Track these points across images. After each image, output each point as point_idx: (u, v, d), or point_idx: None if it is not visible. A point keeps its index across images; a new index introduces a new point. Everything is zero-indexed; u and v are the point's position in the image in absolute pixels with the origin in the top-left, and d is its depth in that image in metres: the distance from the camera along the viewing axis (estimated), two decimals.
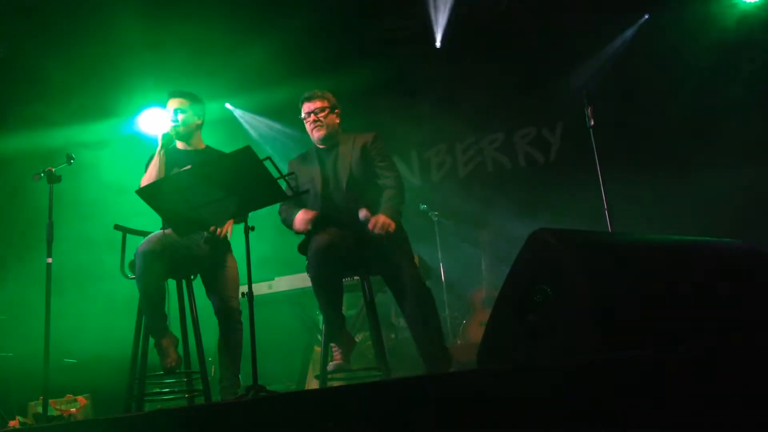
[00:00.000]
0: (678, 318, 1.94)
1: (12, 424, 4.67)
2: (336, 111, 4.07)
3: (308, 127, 4.05)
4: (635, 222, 5.31)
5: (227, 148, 3.92)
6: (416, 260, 4.09)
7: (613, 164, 5.04)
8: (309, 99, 4.04)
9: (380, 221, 3.71)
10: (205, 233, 3.87)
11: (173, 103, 4.12)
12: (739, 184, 5.44)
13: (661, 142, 6.09)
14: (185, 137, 4.10)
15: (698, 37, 6.08)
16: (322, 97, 4.04)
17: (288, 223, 3.96)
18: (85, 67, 6.70)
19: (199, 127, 4.16)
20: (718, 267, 2.14)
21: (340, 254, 3.70)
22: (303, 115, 4.05)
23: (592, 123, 4.30)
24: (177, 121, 4.05)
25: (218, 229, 3.82)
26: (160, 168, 3.89)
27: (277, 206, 3.88)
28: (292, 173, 3.21)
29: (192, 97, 4.15)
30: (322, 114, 3.99)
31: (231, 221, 3.92)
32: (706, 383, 1.52)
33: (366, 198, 3.92)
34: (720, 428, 1.46)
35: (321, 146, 4.07)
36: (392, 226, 3.72)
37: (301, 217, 3.83)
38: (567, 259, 1.96)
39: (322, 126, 3.99)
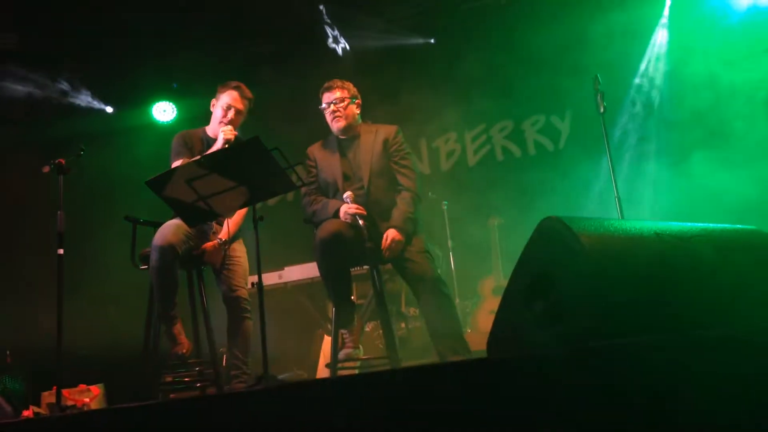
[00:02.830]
0: (689, 305, 1.93)
1: (26, 414, 4.71)
2: (356, 102, 4.08)
3: (328, 117, 4.06)
4: (646, 209, 5.28)
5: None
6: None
7: (623, 150, 5.03)
8: (328, 89, 4.05)
9: (389, 243, 3.73)
10: (214, 224, 3.89)
11: (237, 101, 4.05)
12: (752, 170, 5.40)
13: (672, 128, 6.04)
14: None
15: (711, 25, 6.03)
16: (342, 87, 4.05)
17: (320, 215, 3.92)
18: (97, 57, 6.71)
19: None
20: (731, 253, 2.13)
21: (346, 243, 3.70)
22: (323, 105, 4.06)
23: (603, 109, 4.27)
24: (230, 120, 4.01)
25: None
26: None
27: (287, 196, 3.86)
28: (299, 163, 3.20)
29: (252, 101, 4.14)
30: (342, 105, 4.00)
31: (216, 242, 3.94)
32: (717, 369, 1.51)
33: (387, 195, 3.92)
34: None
35: (342, 136, 4.07)
36: (400, 242, 3.74)
37: (345, 210, 3.79)
38: (577, 246, 1.95)
39: (341, 117, 4.00)
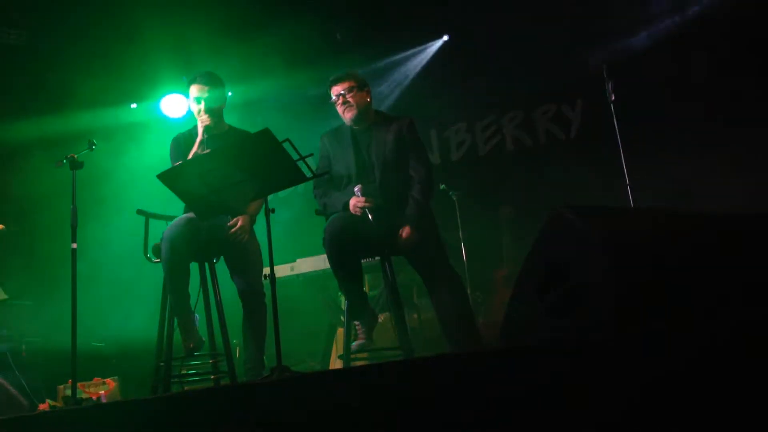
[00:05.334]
0: (705, 295, 1.92)
1: (42, 407, 4.75)
2: (366, 89, 4.03)
3: (339, 110, 4.01)
4: (658, 198, 5.25)
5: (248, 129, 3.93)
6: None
7: (634, 139, 4.99)
8: (336, 82, 4.00)
9: (405, 240, 3.72)
10: (229, 217, 3.90)
11: (203, 91, 4.08)
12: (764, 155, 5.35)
13: (684, 115, 5.99)
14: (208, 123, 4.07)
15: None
16: (348, 78, 3.99)
17: (331, 208, 3.92)
18: (106, 52, 6.73)
19: (221, 109, 4.16)
20: (750, 240, 2.11)
21: (355, 236, 3.69)
22: (332, 98, 4.01)
23: (613, 98, 4.25)
24: (209, 108, 4.04)
25: (236, 226, 3.87)
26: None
27: (298, 188, 3.84)
28: (310, 155, 3.20)
29: (212, 81, 4.12)
30: (351, 95, 3.94)
31: (246, 217, 3.94)
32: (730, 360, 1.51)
33: (399, 188, 3.88)
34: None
35: (355, 126, 4.01)
36: (415, 236, 3.72)
37: (354, 203, 3.78)
38: (588, 235, 1.95)
39: (352, 107, 3.94)
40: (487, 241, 6.26)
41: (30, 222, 6.68)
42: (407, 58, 7.26)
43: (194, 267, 3.99)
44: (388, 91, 7.21)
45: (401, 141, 3.93)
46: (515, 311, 2.29)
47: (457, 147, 7.23)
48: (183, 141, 4.13)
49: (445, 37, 7.17)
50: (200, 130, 4.01)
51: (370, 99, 4.06)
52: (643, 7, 6.21)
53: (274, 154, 3.13)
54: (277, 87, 7.12)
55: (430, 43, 7.19)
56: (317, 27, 6.72)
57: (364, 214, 3.71)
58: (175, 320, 3.83)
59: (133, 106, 7.33)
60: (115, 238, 6.17)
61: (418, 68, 7.19)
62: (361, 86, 4.00)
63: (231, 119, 4.33)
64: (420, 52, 7.22)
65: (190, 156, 3.95)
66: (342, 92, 3.96)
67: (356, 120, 3.98)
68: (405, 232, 3.73)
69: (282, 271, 5.45)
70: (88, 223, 4.64)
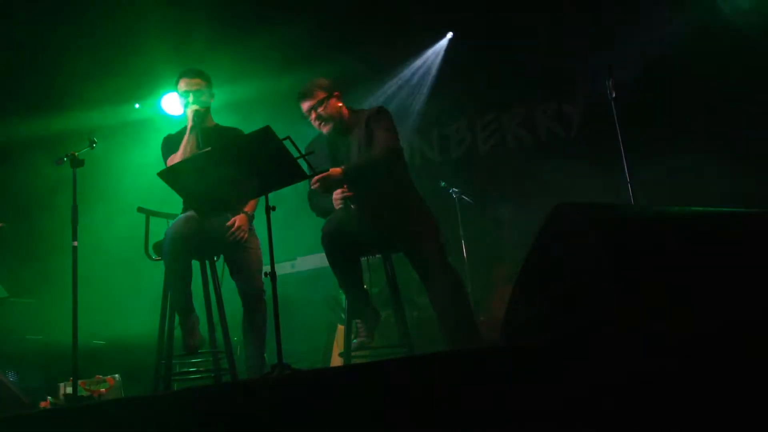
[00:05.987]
0: (705, 295, 1.92)
1: (43, 404, 4.76)
2: (335, 94, 3.86)
3: (314, 124, 3.88)
4: (659, 196, 5.25)
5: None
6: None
7: (635, 137, 5.00)
8: (302, 97, 3.85)
9: (329, 176, 3.55)
10: (229, 216, 3.90)
11: (191, 84, 4.07)
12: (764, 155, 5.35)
13: (685, 112, 5.99)
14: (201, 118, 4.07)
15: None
16: (314, 91, 3.82)
17: (324, 209, 3.87)
18: (106, 51, 6.74)
19: (210, 104, 4.15)
20: (750, 240, 2.11)
21: (351, 235, 3.65)
22: (304, 113, 3.88)
23: (614, 95, 4.25)
24: (197, 102, 4.02)
25: (234, 227, 3.86)
26: (192, 148, 3.90)
27: (299, 185, 3.80)
28: (312, 152, 3.19)
29: (206, 77, 4.13)
30: (321, 108, 3.80)
31: (243, 216, 3.93)
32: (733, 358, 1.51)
33: (378, 185, 3.78)
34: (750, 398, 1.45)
35: (333, 136, 3.92)
36: (333, 179, 3.56)
37: (334, 197, 3.71)
38: (589, 234, 1.94)
39: (326, 120, 3.82)
40: (487, 237, 6.27)
41: (30, 220, 6.69)
42: (413, 62, 7.25)
43: (195, 265, 4.00)
44: (404, 97, 7.19)
45: (370, 135, 3.80)
46: (515, 310, 2.29)
47: (457, 145, 7.23)
48: (174, 140, 4.11)
49: (450, 35, 7.16)
50: (190, 116, 3.97)
51: (342, 103, 3.90)
52: (644, 5, 6.20)
53: (275, 151, 3.13)
54: (278, 86, 7.11)
55: (434, 44, 7.18)
56: (319, 26, 6.72)
57: (347, 206, 3.65)
58: (176, 318, 3.84)
59: (137, 106, 7.34)
60: (115, 235, 6.18)
61: (433, 70, 7.16)
62: (329, 95, 3.84)
63: (230, 118, 4.33)
64: (426, 55, 7.21)
65: (182, 146, 3.93)
66: (312, 107, 3.82)
67: (333, 131, 3.87)
68: (333, 169, 3.58)
69: (283, 268, 5.46)
70: (88, 221, 4.65)
